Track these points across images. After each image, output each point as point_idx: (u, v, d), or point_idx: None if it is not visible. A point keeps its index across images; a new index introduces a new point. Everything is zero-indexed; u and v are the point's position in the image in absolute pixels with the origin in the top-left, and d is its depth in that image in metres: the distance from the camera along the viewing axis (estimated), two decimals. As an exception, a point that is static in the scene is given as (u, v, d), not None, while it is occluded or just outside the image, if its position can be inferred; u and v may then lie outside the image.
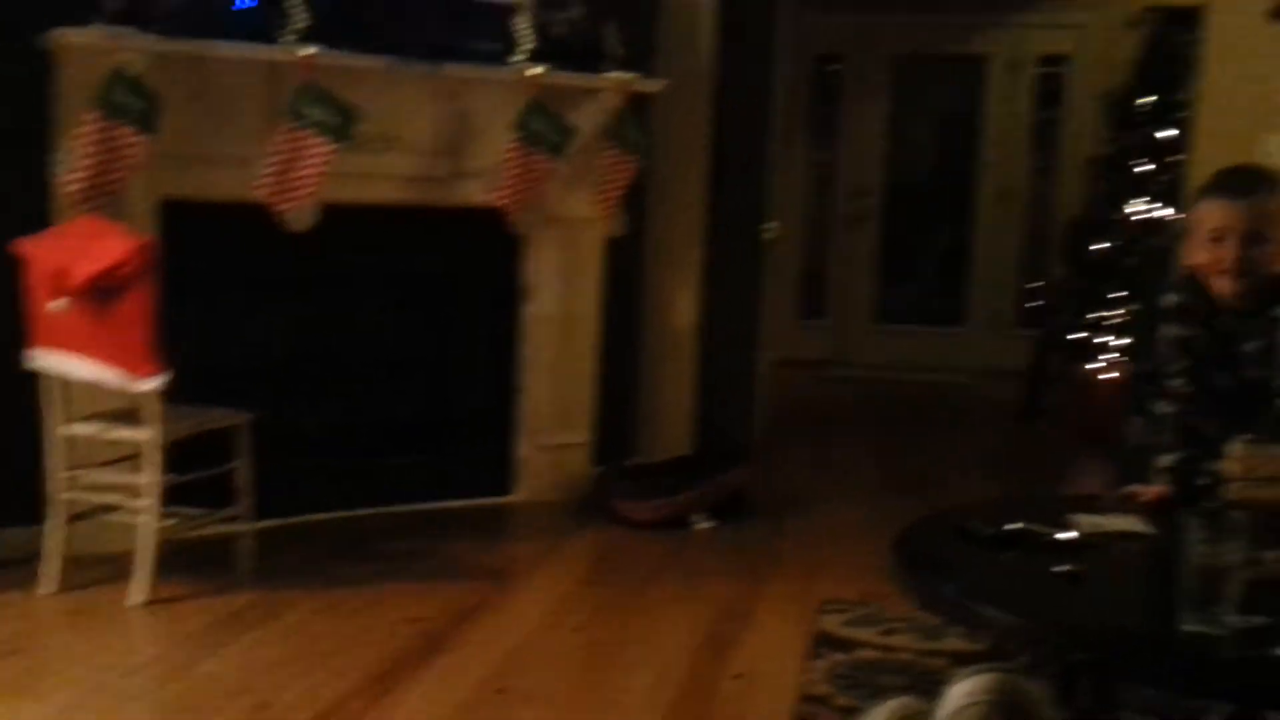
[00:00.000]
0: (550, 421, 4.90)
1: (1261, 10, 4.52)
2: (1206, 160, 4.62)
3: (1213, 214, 2.71)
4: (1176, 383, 2.79)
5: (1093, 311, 6.35)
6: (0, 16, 3.79)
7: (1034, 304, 8.04)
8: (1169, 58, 6.04)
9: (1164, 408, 2.83)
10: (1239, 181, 2.74)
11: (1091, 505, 2.64)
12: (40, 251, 3.58)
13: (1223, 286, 2.73)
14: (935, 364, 8.44)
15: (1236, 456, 2.40)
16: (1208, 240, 2.71)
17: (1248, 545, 2.02)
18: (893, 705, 1.73)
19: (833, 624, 3.56)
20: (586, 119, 4.74)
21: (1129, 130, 6.37)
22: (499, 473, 4.89)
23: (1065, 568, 2.27)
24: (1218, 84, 4.65)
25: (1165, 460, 2.81)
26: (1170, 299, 2.84)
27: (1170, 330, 2.83)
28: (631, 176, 4.83)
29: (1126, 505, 2.68)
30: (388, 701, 2.99)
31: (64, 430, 3.68)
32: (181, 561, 3.83)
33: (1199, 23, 4.80)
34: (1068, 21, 8.33)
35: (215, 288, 4.20)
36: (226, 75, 4.06)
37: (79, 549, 3.80)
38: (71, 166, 3.70)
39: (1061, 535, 2.46)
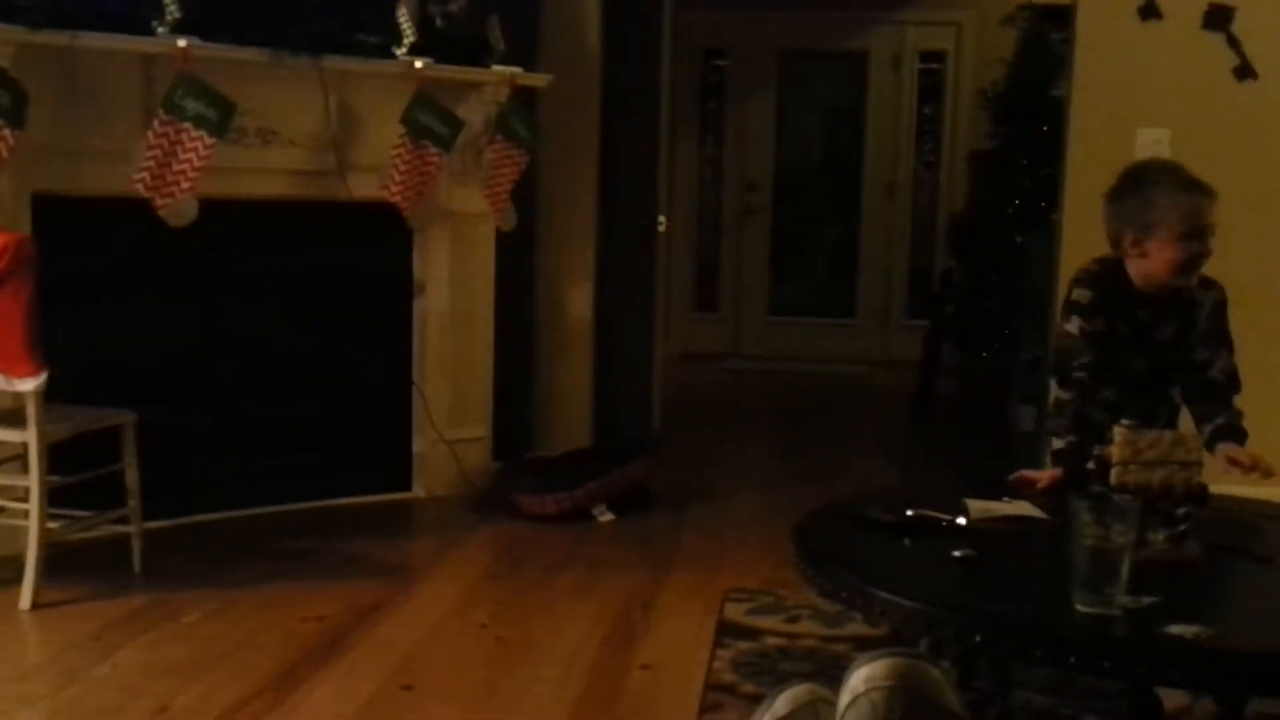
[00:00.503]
0: (447, 417, 4.86)
1: (1131, 9, 4.65)
2: (1084, 154, 4.75)
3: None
4: (1079, 374, 2.86)
5: (979, 301, 6.50)
6: None
7: (923, 295, 8.21)
8: (1043, 54, 6.20)
9: (1063, 395, 2.90)
10: (1193, 177, 2.82)
11: (986, 492, 2.70)
12: (-91, 249, 3.44)
13: (1185, 280, 2.82)
14: (829, 355, 8.57)
15: (1121, 440, 2.47)
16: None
17: (1135, 527, 2.08)
18: (796, 691, 1.75)
19: (737, 613, 3.59)
20: (473, 113, 4.72)
21: (1008, 125, 6.53)
22: (397, 469, 4.84)
23: (961, 553, 2.31)
24: (1090, 80, 4.78)
25: (1058, 444, 2.88)
26: (1084, 294, 2.90)
27: (1080, 324, 2.89)
28: (521, 170, 4.82)
29: (1019, 490, 2.75)
30: (291, 701, 2.94)
31: (-60, 434, 3.56)
32: (71, 564, 3.74)
33: (1070, 20, 4.93)
34: (946, 19, 8.52)
35: (97, 285, 4.08)
36: (99, 67, 3.95)
37: (-38, 554, 3.69)
38: (-65, 161, 3.57)
39: (957, 520, 2.52)
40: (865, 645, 3.25)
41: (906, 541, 2.47)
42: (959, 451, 5.91)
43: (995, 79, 6.77)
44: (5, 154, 3.65)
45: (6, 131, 3.64)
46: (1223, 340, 2.93)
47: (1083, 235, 4.75)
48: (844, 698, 1.61)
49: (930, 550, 2.41)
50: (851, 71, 8.76)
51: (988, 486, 2.76)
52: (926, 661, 1.64)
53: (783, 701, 1.71)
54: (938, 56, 8.59)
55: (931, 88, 8.63)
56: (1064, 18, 5.23)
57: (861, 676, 1.60)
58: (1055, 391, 2.94)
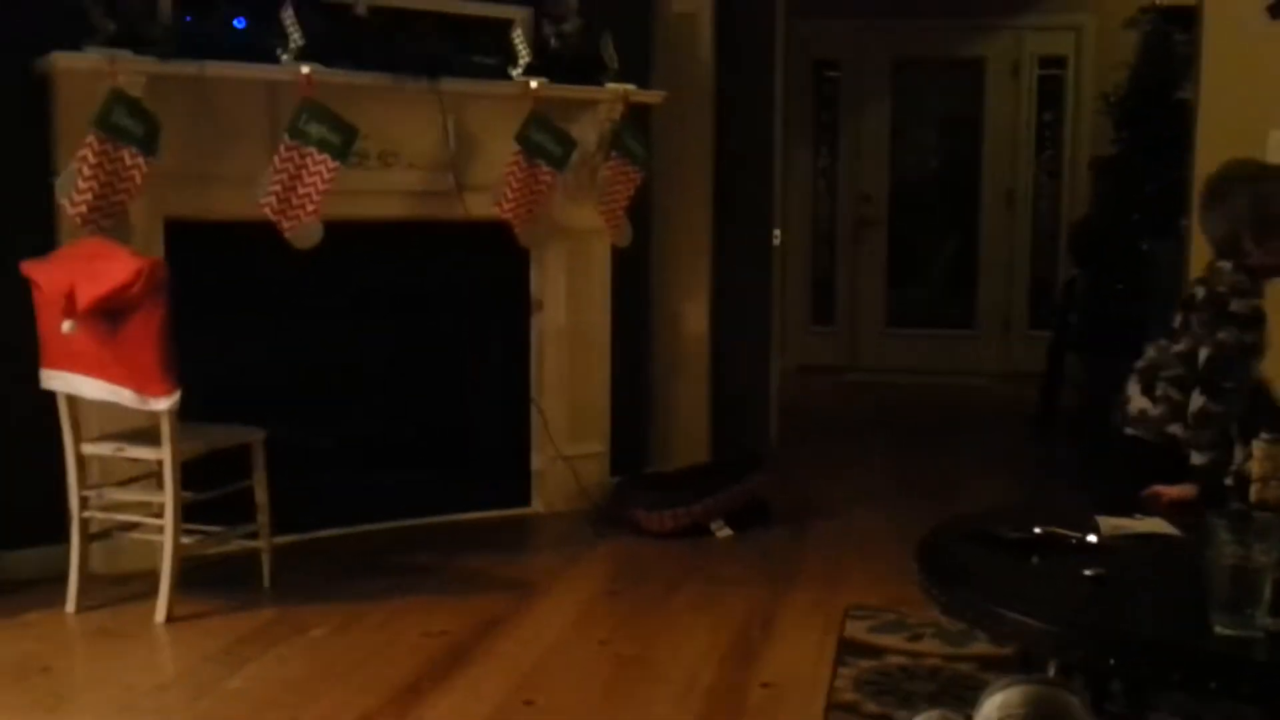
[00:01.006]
0: (566, 432, 4.89)
1: (1260, 7, 4.50)
2: (1212, 158, 4.60)
3: None
4: (1229, 384, 2.78)
5: (1104, 311, 6.33)
6: (-2, 41, 3.80)
7: (1045, 305, 8.04)
8: (1168, 57, 6.04)
9: (1212, 408, 2.81)
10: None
11: (1116, 507, 2.62)
12: (47, 273, 3.58)
13: None
14: (947, 367, 8.43)
15: (1261, 455, 2.38)
16: None
17: (1278, 546, 2.00)
18: (927, 716, 1.71)
19: (858, 630, 3.54)
20: (588, 130, 4.75)
21: (1131, 130, 6.37)
22: (516, 485, 4.88)
23: (1092, 571, 2.25)
24: (1218, 82, 4.64)
25: (1200, 459, 2.79)
26: (1251, 304, 2.82)
27: (1244, 336, 2.80)
28: (636, 187, 4.84)
29: (1151, 506, 2.67)
30: (414, 716, 2.98)
31: (80, 450, 3.68)
32: (202, 578, 3.84)
33: (1196, 21, 4.79)
34: (1065, 23, 8.34)
35: (227, 305, 4.20)
36: (226, 95, 4.07)
37: (100, 568, 3.84)
38: (74, 189, 3.70)
39: (1087, 538, 2.45)
40: (991, 665, 3.19)
41: (1035, 559, 2.40)
42: (1084, 465, 5.76)
43: (1117, 83, 6.61)
44: (140, 181, 3.79)
45: (141, 159, 3.77)
46: None
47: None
48: (977, 725, 1.57)
49: (1060, 569, 2.35)
50: (968, 79, 8.62)
51: (1115, 502, 2.68)
52: (1062, 688, 1.60)
53: (914, 727, 1.69)
54: (1057, 62, 8.41)
55: (1051, 94, 8.46)
56: (1189, 19, 5.08)
57: (995, 704, 1.56)
58: (1201, 403, 2.84)
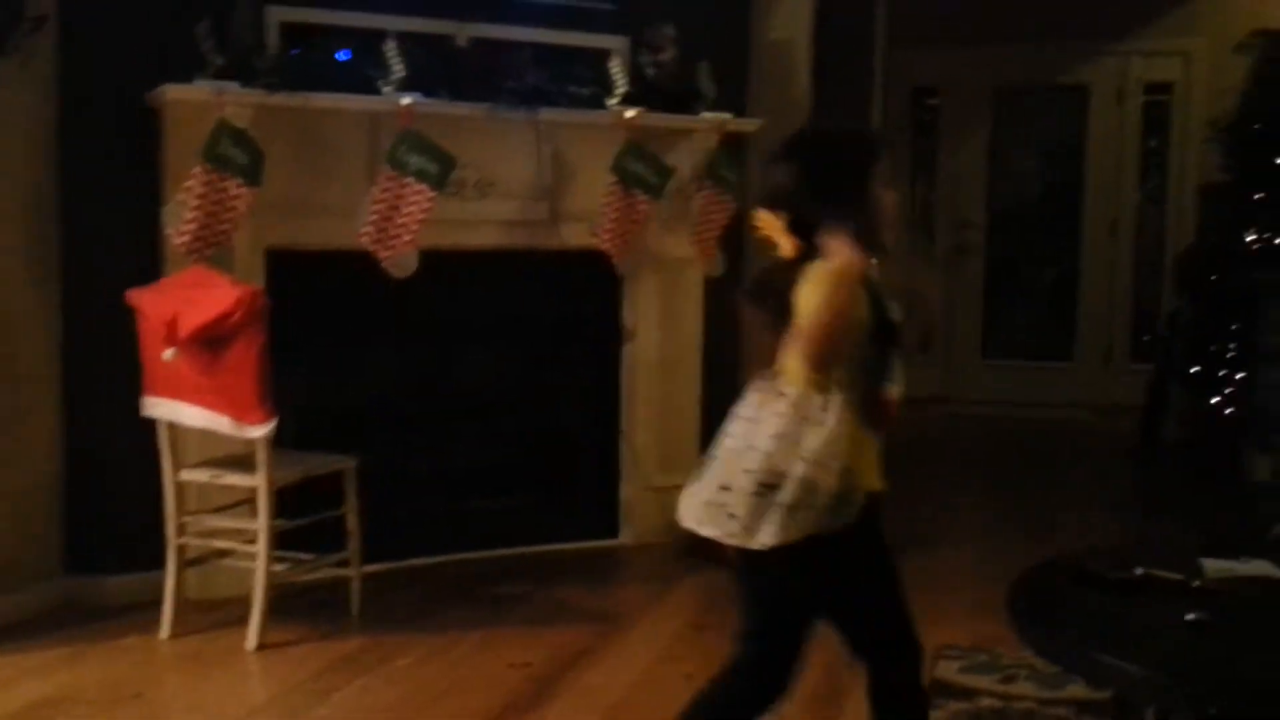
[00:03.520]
0: (655, 463, 4.87)
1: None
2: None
3: None
4: None
5: (1211, 344, 6.15)
6: (110, 74, 3.92)
7: (1149, 337, 7.84)
8: (1280, 83, 5.87)
9: None
10: None
11: (1222, 549, 2.53)
12: (151, 302, 3.67)
13: None
14: (1046, 399, 8.25)
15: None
16: None
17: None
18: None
19: (949, 671, 3.47)
20: (683, 160, 4.74)
21: (1241, 157, 6.19)
22: (605, 515, 4.88)
23: (1194, 616, 2.17)
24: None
25: None
26: None
27: None
28: (729, 216, 4.81)
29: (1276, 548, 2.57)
30: (499, 747, 2.98)
31: (177, 476, 3.75)
32: (293, 605, 3.88)
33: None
34: (1173, 48, 8.14)
35: (322, 335, 4.26)
36: (328, 126, 4.14)
37: (195, 594, 3.89)
38: (180, 218, 3.79)
39: (1191, 581, 2.36)
40: (1087, 709, 3.10)
41: (1134, 602, 2.33)
42: (1187, 503, 5.59)
43: (1227, 109, 6.44)
44: (244, 210, 3.86)
45: (245, 189, 3.85)
46: None
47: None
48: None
49: (1160, 612, 2.27)
50: (1071, 105, 8.46)
51: (1220, 541, 2.59)
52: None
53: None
54: (1164, 88, 8.22)
55: (1157, 120, 8.26)
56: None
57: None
58: None
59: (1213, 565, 2.43)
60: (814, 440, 2.29)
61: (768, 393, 2.37)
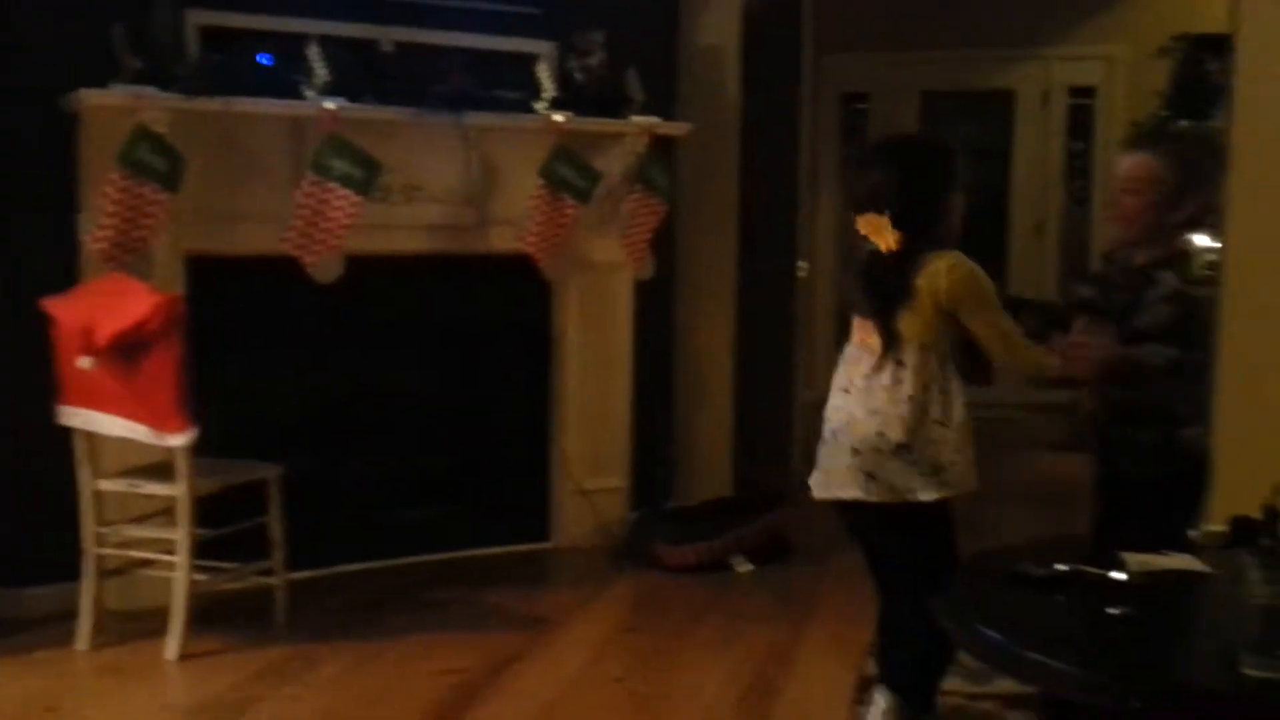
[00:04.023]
0: (586, 466, 4.85)
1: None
2: (1246, 186, 4.53)
3: None
4: None
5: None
6: (25, 79, 3.83)
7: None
8: (1200, 85, 5.97)
9: None
10: None
11: (1144, 544, 2.55)
12: (67, 310, 3.59)
13: None
14: (973, 398, 8.31)
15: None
16: None
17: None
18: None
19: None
20: (612, 164, 4.73)
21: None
22: (536, 519, 4.84)
23: (1116, 610, 2.19)
24: (1253, 110, 4.56)
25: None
26: None
27: None
28: (659, 220, 4.81)
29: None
30: (426, 757, 2.94)
31: (95, 486, 3.68)
32: (217, 615, 3.81)
33: (1229, 49, 4.72)
34: (1096, 53, 8.27)
35: (245, 341, 4.19)
36: (250, 131, 4.08)
37: (115, 605, 3.81)
38: (97, 225, 3.71)
39: (1113, 576, 2.38)
40: (1015, 704, 3.12)
41: (1059, 598, 2.34)
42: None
43: (1149, 112, 6.54)
44: (162, 216, 3.79)
45: (163, 196, 3.78)
46: None
47: (1247, 268, 4.54)
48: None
49: (1085, 607, 2.29)
50: (997, 110, 8.57)
51: (1146, 537, 2.61)
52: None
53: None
54: (1087, 92, 8.35)
55: (1081, 123, 8.39)
56: (1221, 47, 5.02)
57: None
58: None
59: (1134, 559, 2.45)
60: (938, 407, 2.72)
61: (869, 365, 2.72)
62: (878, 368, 2.70)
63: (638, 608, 4.19)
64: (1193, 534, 2.81)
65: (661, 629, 3.92)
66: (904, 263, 2.68)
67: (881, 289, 2.71)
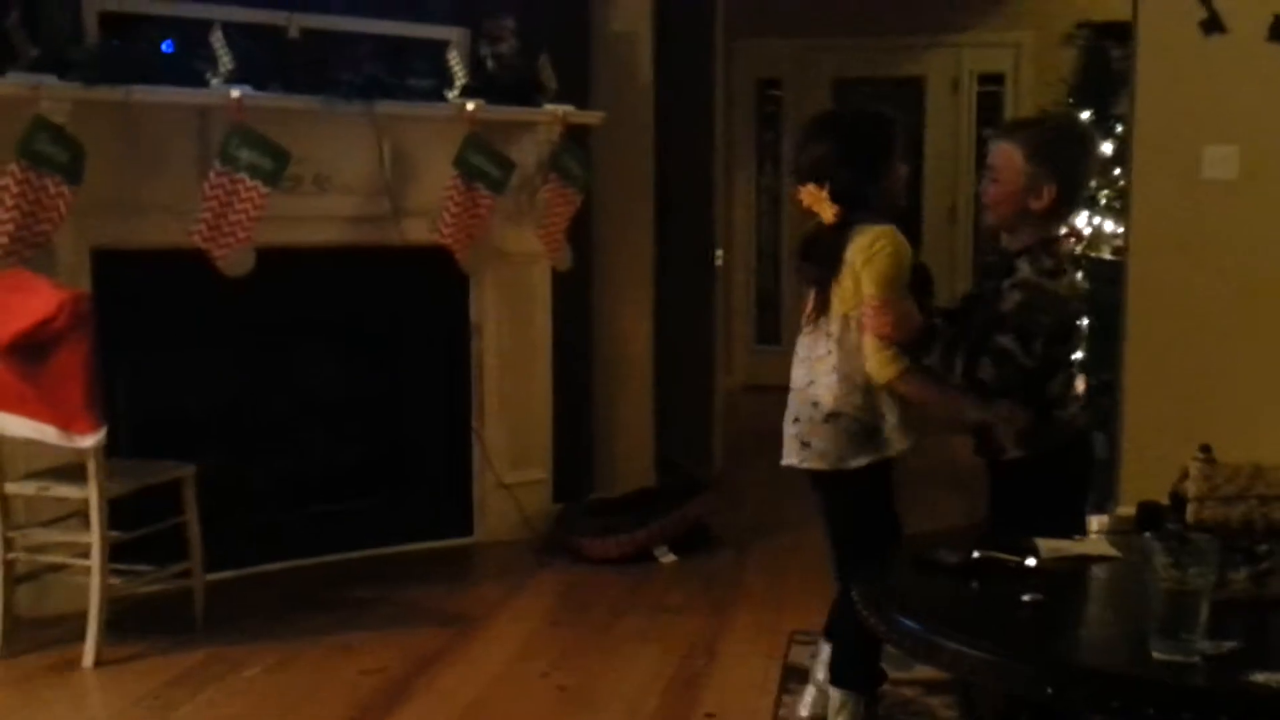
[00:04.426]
0: (507, 460, 4.83)
1: (1194, 23, 4.54)
2: (1148, 172, 4.64)
3: None
4: None
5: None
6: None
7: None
8: (1104, 73, 6.08)
9: None
10: None
11: (1039, 525, 2.60)
12: (-34, 308, 3.48)
13: None
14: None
15: (1197, 474, 2.37)
16: None
17: (1215, 568, 1.98)
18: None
19: (803, 656, 3.50)
20: (526, 153, 4.70)
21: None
22: (457, 514, 4.81)
23: (1030, 596, 2.22)
24: (1153, 98, 4.67)
25: None
26: None
27: None
28: (575, 209, 4.79)
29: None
30: (350, 758, 2.92)
31: (3, 489, 3.59)
32: (134, 619, 3.74)
33: (1131, 38, 4.83)
34: (1004, 41, 8.41)
35: (154, 338, 4.11)
36: (154, 120, 3.99)
37: (27, 611, 3.73)
38: (-3, 220, 3.61)
39: (1026, 562, 2.42)
40: (935, 690, 3.16)
41: (974, 585, 2.37)
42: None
43: (1056, 99, 6.66)
44: (64, 210, 3.70)
45: (65, 188, 3.68)
46: None
47: (1148, 249, 4.66)
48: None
49: (999, 594, 2.32)
50: (908, 96, 8.66)
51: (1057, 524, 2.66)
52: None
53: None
54: (996, 79, 8.49)
55: (990, 109, 8.52)
56: (1124, 35, 5.12)
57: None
58: None
59: (1047, 545, 2.50)
60: (864, 374, 2.74)
61: (816, 335, 2.82)
62: (814, 338, 2.82)
63: (562, 601, 4.18)
64: (1090, 516, 2.88)
65: (586, 623, 3.92)
66: (840, 234, 2.77)
67: (819, 260, 2.81)
